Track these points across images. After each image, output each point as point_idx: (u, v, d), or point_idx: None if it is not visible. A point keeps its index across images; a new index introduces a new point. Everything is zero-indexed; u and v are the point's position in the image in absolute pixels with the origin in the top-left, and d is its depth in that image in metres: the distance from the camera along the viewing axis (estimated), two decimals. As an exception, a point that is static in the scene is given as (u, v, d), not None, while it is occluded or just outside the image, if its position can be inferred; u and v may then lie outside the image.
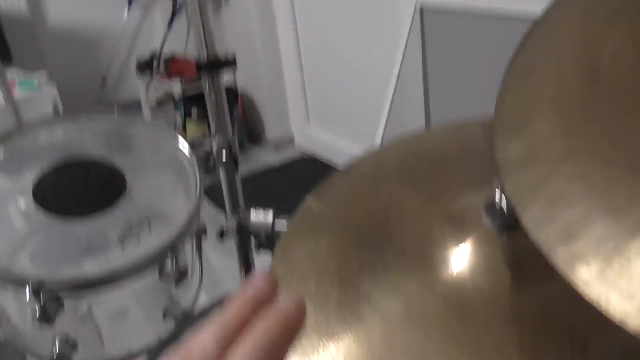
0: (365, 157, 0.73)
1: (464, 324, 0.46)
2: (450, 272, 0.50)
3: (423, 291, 0.50)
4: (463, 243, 0.52)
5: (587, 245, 0.35)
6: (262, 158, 3.41)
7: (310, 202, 0.67)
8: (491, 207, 0.52)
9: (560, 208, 0.37)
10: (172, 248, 0.77)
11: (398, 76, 2.11)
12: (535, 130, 0.43)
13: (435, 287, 0.50)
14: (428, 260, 0.52)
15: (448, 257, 0.52)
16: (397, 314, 0.48)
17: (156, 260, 0.75)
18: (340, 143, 3.09)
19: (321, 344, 0.47)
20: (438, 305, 0.48)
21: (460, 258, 0.51)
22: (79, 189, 0.84)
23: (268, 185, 2.97)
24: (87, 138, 0.96)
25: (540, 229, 0.37)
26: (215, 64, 1.06)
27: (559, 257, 0.35)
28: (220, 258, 2.21)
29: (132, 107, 4.29)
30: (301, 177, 3.06)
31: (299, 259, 0.58)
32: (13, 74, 2.88)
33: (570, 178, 0.39)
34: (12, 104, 2.13)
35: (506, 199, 0.49)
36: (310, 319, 0.50)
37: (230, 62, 1.09)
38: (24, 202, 0.81)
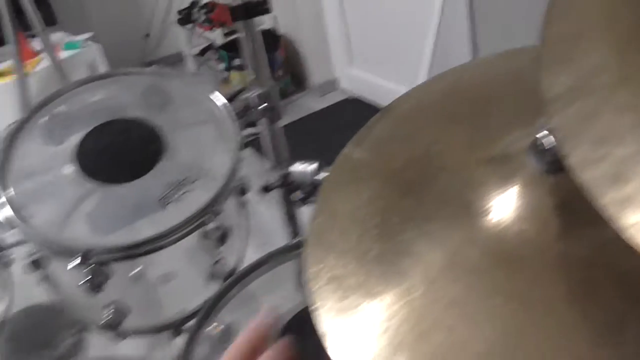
0: (404, 97, 0.70)
1: (510, 275, 0.44)
2: (494, 219, 0.47)
3: (466, 241, 0.47)
4: (508, 186, 0.49)
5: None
6: (307, 102, 3.39)
7: (350, 149, 0.65)
8: (537, 146, 0.48)
9: (610, 145, 0.34)
10: (213, 207, 0.76)
11: (442, 10, 2.03)
12: (585, 59, 0.39)
13: (478, 236, 0.47)
14: (471, 208, 0.49)
15: (492, 202, 0.49)
16: (439, 267, 0.46)
17: (198, 221, 0.75)
18: (385, 84, 3.02)
19: (362, 304, 0.46)
20: (482, 256, 0.46)
21: (505, 203, 0.48)
22: (121, 153, 0.84)
23: (315, 130, 2.95)
24: (125, 97, 0.96)
25: (587, 169, 0.34)
26: (248, 8, 1.03)
27: (607, 201, 0.32)
28: (267, 211, 2.22)
29: (176, 60, 4.30)
30: (347, 120, 3.02)
31: (340, 212, 0.56)
32: (58, 38, 2.92)
33: (622, 110, 0.35)
34: (58, 66, 2.17)
35: (553, 136, 0.45)
36: (351, 279, 0.49)
37: (264, 5, 1.06)
38: (70, 169, 0.82)
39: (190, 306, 0.84)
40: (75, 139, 0.84)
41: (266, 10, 1.10)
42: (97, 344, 0.88)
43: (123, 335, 0.79)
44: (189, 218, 0.73)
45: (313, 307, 0.47)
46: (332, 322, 0.46)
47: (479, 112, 0.62)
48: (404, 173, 0.58)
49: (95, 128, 0.85)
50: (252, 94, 1.02)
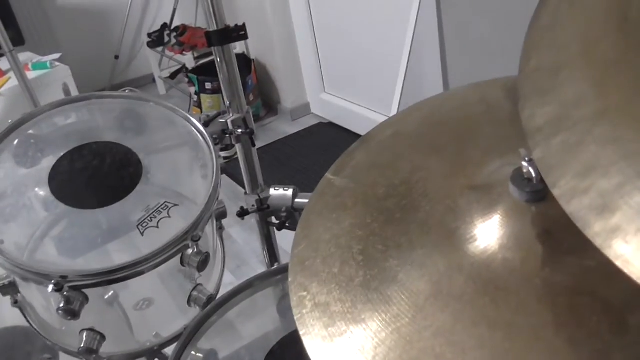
0: (383, 126, 0.71)
1: (496, 303, 0.44)
2: (478, 247, 0.48)
3: (451, 269, 0.48)
4: (491, 215, 0.49)
5: (625, 218, 0.32)
6: (279, 127, 3.39)
7: (330, 176, 0.65)
8: (518, 176, 0.49)
9: (595, 177, 0.35)
10: (193, 233, 0.76)
11: (413, 38, 2.06)
12: (564, 91, 0.41)
13: (463, 263, 0.47)
14: (455, 235, 0.50)
15: (475, 231, 0.49)
16: (425, 294, 0.46)
17: (177, 247, 0.74)
18: (356, 109, 3.05)
19: (348, 331, 0.46)
20: (467, 283, 0.46)
21: (488, 232, 0.49)
22: (97, 176, 0.83)
23: (287, 154, 2.96)
24: (100, 121, 0.95)
25: (573, 200, 0.35)
26: (225, 34, 1.03)
27: (595, 231, 0.33)
28: (242, 235, 2.21)
29: (146, 83, 4.28)
30: (320, 144, 3.03)
31: (322, 239, 0.56)
32: (26, 58, 2.88)
33: (605, 142, 0.36)
34: (26, 85, 2.13)
35: (535, 168, 0.46)
36: (337, 305, 0.48)
37: (241, 32, 1.06)
38: (42, 192, 0.80)
39: (167, 333, 0.83)
40: (48, 161, 0.82)
41: (243, 37, 1.10)
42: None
43: (104, 360, 0.77)
44: (169, 244, 0.72)
45: (299, 333, 0.47)
46: (319, 348, 0.45)
47: (457, 141, 0.63)
48: (386, 201, 0.58)
49: (70, 151, 0.83)
50: (228, 119, 1.02)
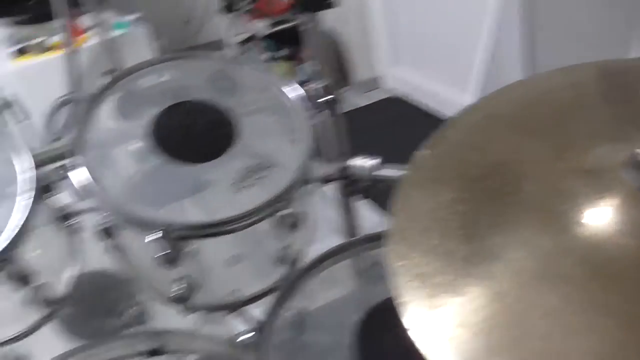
0: (473, 108, 0.70)
1: (608, 289, 0.43)
2: (588, 231, 0.47)
3: (558, 250, 0.47)
4: (603, 200, 0.49)
5: None
6: (349, 99, 3.38)
7: (425, 152, 0.65)
8: (635, 162, 0.48)
9: None
10: (288, 194, 0.78)
11: (498, 16, 1.99)
12: None
13: (572, 246, 0.47)
14: (562, 218, 0.49)
15: (585, 214, 0.49)
16: (531, 273, 0.46)
17: (273, 206, 0.76)
18: (429, 85, 3.00)
19: (450, 303, 0.46)
20: (575, 266, 0.46)
21: (600, 216, 0.48)
22: (196, 133, 0.86)
23: (356, 127, 2.95)
24: (194, 80, 0.97)
25: None
26: (318, 1, 1.03)
27: None
28: (317, 204, 2.22)
29: (216, 48, 4.32)
30: (390, 119, 3.01)
31: (420, 211, 0.57)
32: (106, 17, 2.95)
33: None
34: (108, 44, 2.19)
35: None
36: (437, 277, 0.49)
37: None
38: (142, 143, 0.84)
39: (250, 290, 0.86)
40: (148, 116, 0.85)
41: (332, 4, 1.10)
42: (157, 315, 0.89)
43: (192, 310, 0.80)
44: (266, 202, 0.74)
45: (399, 301, 0.47)
46: (419, 318, 0.46)
47: (554, 124, 0.62)
48: (485, 179, 0.58)
49: (169, 107, 0.86)
50: (317, 85, 1.02)
